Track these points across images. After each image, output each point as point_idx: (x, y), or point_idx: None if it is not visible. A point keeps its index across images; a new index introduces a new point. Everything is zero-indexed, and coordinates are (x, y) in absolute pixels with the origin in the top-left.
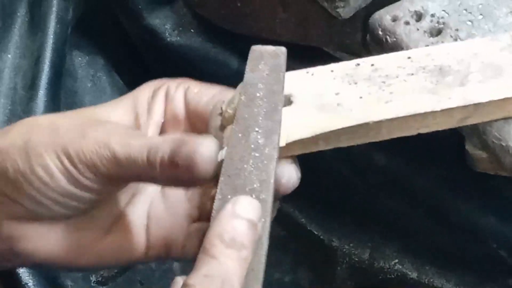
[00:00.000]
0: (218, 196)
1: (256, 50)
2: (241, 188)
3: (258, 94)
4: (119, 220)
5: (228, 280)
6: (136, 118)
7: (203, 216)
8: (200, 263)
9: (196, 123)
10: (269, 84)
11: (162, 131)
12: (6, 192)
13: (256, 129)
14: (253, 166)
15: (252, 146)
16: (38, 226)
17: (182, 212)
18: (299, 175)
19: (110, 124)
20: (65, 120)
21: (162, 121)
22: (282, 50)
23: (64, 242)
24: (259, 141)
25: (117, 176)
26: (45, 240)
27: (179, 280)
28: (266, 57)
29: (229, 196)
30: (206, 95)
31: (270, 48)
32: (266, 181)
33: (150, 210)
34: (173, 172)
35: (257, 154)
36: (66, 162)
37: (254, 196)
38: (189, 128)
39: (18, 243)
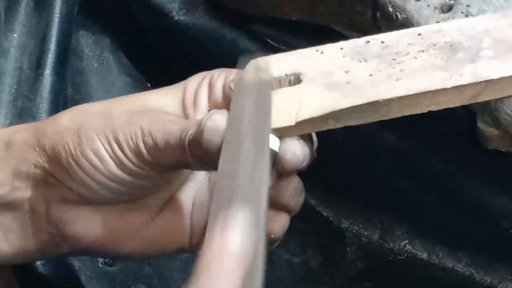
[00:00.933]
0: (211, 209)
1: (240, 82)
2: (234, 200)
3: (246, 114)
4: (166, 208)
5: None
6: (184, 107)
7: None
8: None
9: None
10: (256, 110)
11: None
12: (57, 175)
13: (246, 142)
14: (245, 178)
15: (243, 159)
16: (87, 210)
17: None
18: (307, 151)
19: (156, 112)
20: (116, 106)
21: (207, 109)
22: (266, 81)
23: (111, 226)
24: (250, 153)
25: (160, 163)
26: (92, 223)
27: None
28: (249, 91)
29: (222, 210)
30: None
31: (253, 80)
32: (259, 193)
33: (196, 196)
34: (198, 151)
35: (248, 167)
36: (115, 147)
37: (247, 208)
38: None
39: (67, 226)
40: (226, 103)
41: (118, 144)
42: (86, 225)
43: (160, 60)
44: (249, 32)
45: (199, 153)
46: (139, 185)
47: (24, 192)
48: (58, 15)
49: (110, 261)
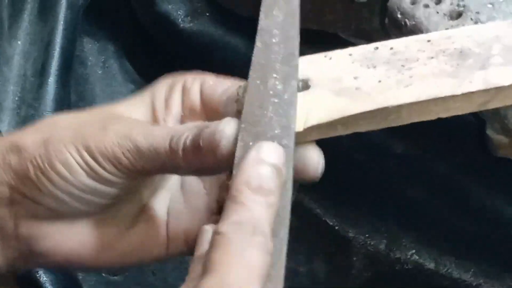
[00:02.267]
0: (239, 144)
1: None
2: (262, 135)
3: (274, 40)
4: (140, 217)
5: (258, 226)
6: (154, 113)
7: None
8: (229, 211)
9: (212, 116)
10: (284, 29)
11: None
12: (25, 192)
13: (274, 75)
14: (273, 112)
15: (271, 92)
16: (59, 224)
17: (201, 206)
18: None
19: (130, 119)
20: (85, 115)
21: (181, 114)
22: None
23: (85, 239)
24: (278, 87)
25: (140, 168)
26: (65, 238)
27: (207, 229)
28: (279, 3)
29: (250, 143)
30: (221, 86)
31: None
32: (287, 127)
33: (170, 205)
34: (196, 157)
35: (276, 100)
36: (86, 156)
37: (276, 142)
38: (206, 120)
39: (38, 243)
40: (205, 109)
41: (89, 153)
42: (59, 241)
43: (165, 67)
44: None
45: (198, 158)
46: (112, 194)
47: None
48: (62, 22)
49: (114, 271)
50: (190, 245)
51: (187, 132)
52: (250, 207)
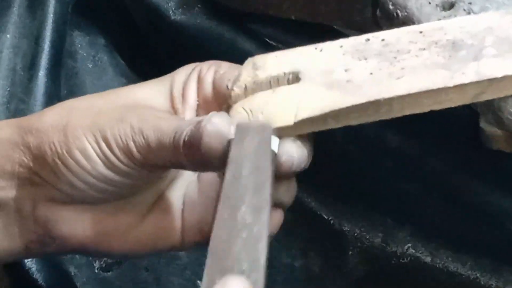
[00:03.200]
0: (204, 279)
1: (241, 126)
2: (229, 270)
3: (243, 172)
4: (157, 206)
5: None
6: (172, 101)
7: None
8: None
9: (223, 104)
10: (256, 160)
11: (198, 115)
12: (43, 175)
13: (243, 208)
14: (241, 246)
15: (239, 226)
16: (75, 210)
17: (215, 196)
18: (305, 153)
19: (145, 108)
20: (103, 102)
21: (196, 104)
22: (267, 125)
23: (100, 226)
24: (247, 220)
25: (151, 163)
26: (81, 223)
27: None
28: (251, 132)
29: (216, 280)
30: (230, 76)
31: (255, 123)
32: (256, 261)
33: (186, 195)
34: (191, 153)
35: (244, 234)
36: (103, 146)
37: (244, 277)
38: (218, 110)
39: (55, 227)
40: (216, 98)
41: (106, 143)
42: (75, 225)
43: (156, 61)
44: (248, 32)
45: (195, 156)
46: (128, 184)
47: (9, 192)
48: (52, 16)
49: (107, 266)
50: (204, 235)
51: (188, 127)
52: None
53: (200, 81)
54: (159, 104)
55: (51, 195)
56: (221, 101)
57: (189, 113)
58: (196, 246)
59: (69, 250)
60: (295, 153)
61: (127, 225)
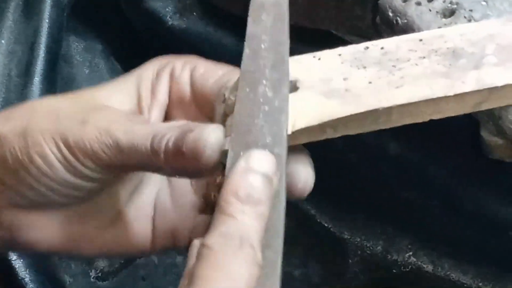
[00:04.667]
0: (230, 154)
1: (257, 0)
2: (253, 144)
3: (262, 46)
4: (125, 210)
5: (246, 238)
6: (139, 100)
7: (209, 207)
8: (216, 222)
9: (203, 106)
10: (273, 34)
11: (167, 114)
12: (5, 180)
13: (264, 81)
14: (263, 120)
15: (261, 99)
16: (40, 215)
17: (188, 203)
18: (313, 173)
19: (111, 109)
20: (64, 104)
21: (167, 103)
22: (283, 0)
23: (66, 232)
24: (268, 94)
25: (120, 164)
26: (46, 229)
27: (196, 244)
28: (268, 7)
29: (241, 153)
30: (213, 76)
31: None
32: (278, 135)
33: (157, 201)
34: (178, 161)
35: (267, 108)
36: (65, 151)
37: (267, 150)
38: (196, 112)
39: (19, 232)
40: (194, 98)
41: (67, 147)
42: (40, 231)
43: None
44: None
45: (181, 163)
46: (93, 188)
47: None
48: (47, 21)
49: (103, 275)
50: (175, 241)
51: (169, 133)
52: (238, 218)
53: (173, 80)
54: (123, 103)
55: (15, 200)
56: (201, 101)
57: (156, 112)
58: (168, 249)
59: (37, 253)
60: (310, 180)
61: (94, 230)
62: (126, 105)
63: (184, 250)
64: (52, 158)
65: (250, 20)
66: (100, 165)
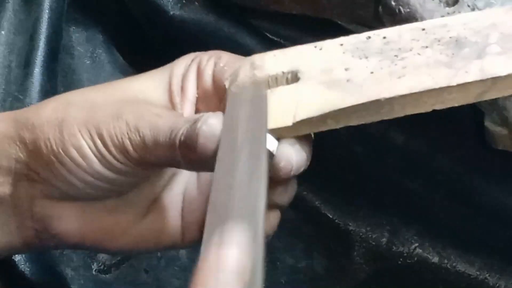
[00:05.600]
0: (205, 233)
1: (234, 95)
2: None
3: (238, 139)
4: (156, 204)
5: None
6: (170, 95)
7: None
8: None
9: (223, 99)
10: (250, 128)
11: (197, 109)
12: (39, 171)
13: (239, 169)
14: (239, 202)
15: (236, 185)
16: (72, 207)
17: None
18: (304, 157)
19: (143, 104)
20: (99, 96)
21: (196, 98)
22: (260, 93)
23: (99, 224)
24: (244, 180)
25: (147, 161)
26: (79, 221)
27: None
28: (244, 103)
29: (214, 236)
30: (232, 68)
31: (247, 91)
32: (255, 213)
33: (185, 193)
34: (185, 152)
35: (242, 193)
36: (99, 143)
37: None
38: (217, 105)
39: (52, 223)
40: (216, 91)
41: (102, 141)
42: (73, 223)
43: (155, 57)
44: (248, 27)
45: (191, 156)
46: (125, 182)
47: (6, 188)
48: (47, 11)
49: (105, 268)
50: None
51: (184, 126)
52: None
53: (199, 73)
54: (157, 98)
55: (48, 192)
56: (221, 94)
57: (188, 107)
58: (198, 243)
59: (69, 246)
60: (293, 158)
61: (126, 223)
62: (157, 99)
63: None
64: (86, 150)
65: (226, 112)
66: (131, 160)
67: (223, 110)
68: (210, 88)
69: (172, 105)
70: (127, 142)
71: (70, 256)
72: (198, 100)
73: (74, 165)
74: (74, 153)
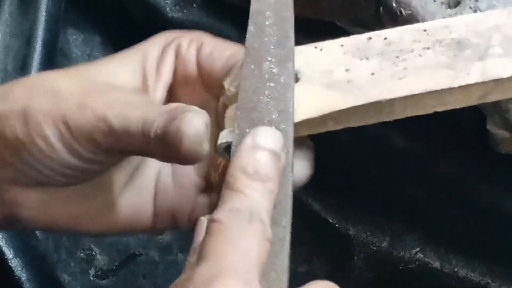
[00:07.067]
0: (235, 131)
1: None
2: (259, 120)
3: (267, 23)
4: (127, 190)
5: (256, 213)
6: (144, 78)
7: (210, 187)
8: (225, 198)
9: (210, 86)
10: (277, 10)
11: (172, 93)
12: (5, 157)
13: (269, 58)
14: (269, 96)
15: (266, 76)
16: (41, 193)
17: (189, 183)
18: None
19: (111, 91)
20: (65, 82)
21: (171, 82)
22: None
23: (67, 210)
24: (273, 71)
25: (117, 149)
26: (47, 207)
27: (203, 220)
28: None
29: (247, 130)
30: (220, 57)
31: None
32: (284, 111)
33: (158, 180)
34: (165, 148)
35: (272, 84)
36: (65, 133)
37: (273, 127)
38: (202, 91)
39: (20, 209)
40: (201, 78)
41: (68, 130)
42: (41, 209)
43: None
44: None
45: (171, 152)
46: (94, 169)
47: None
48: (44, 13)
49: (102, 274)
50: (176, 221)
51: (159, 118)
52: (247, 193)
53: (180, 58)
54: (129, 81)
55: (15, 178)
56: (209, 81)
57: (161, 90)
58: (169, 230)
59: (37, 230)
60: (302, 171)
61: (96, 209)
62: (130, 83)
63: (183, 231)
64: (52, 139)
65: None
66: (99, 148)
67: (207, 97)
68: (192, 74)
69: (145, 88)
70: (94, 131)
71: (67, 262)
72: (176, 84)
73: (40, 154)
74: (40, 143)
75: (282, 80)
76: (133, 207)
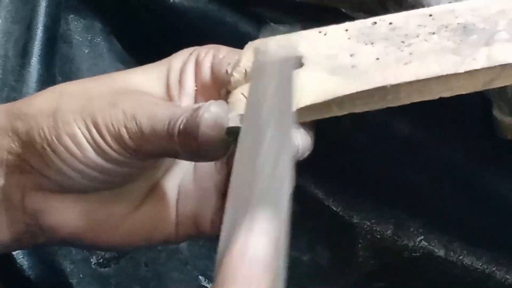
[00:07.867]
0: (227, 217)
1: (258, 64)
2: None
3: (262, 114)
4: (150, 196)
5: None
6: (169, 90)
7: None
8: None
9: (221, 90)
10: (275, 102)
11: (196, 102)
12: (32, 162)
13: (264, 150)
14: (264, 186)
15: (260, 167)
16: (65, 199)
17: (211, 187)
18: (309, 142)
19: (140, 94)
20: (96, 86)
21: (194, 91)
22: (288, 60)
23: (91, 216)
24: (269, 161)
25: (144, 150)
26: (71, 213)
27: None
28: (268, 74)
29: (238, 226)
30: (230, 60)
31: (273, 60)
32: (280, 201)
33: (181, 185)
34: (188, 142)
35: (266, 175)
36: (94, 132)
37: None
38: (217, 97)
39: (44, 216)
40: (214, 84)
41: (97, 129)
42: (65, 215)
43: (155, 46)
44: (250, 15)
45: (191, 145)
46: (120, 172)
47: None
48: None
49: (104, 262)
50: (199, 228)
51: (183, 115)
52: None
53: (198, 66)
54: (154, 91)
55: (40, 184)
56: (220, 86)
57: (186, 100)
58: (191, 239)
59: (60, 241)
60: (299, 142)
61: (119, 216)
62: (155, 92)
63: (207, 238)
64: (81, 138)
65: (250, 86)
66: (127, 149)
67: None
68: (208, 81)
69: (170, 99)
70: (123, 131)
71: (69, 250)
72: (197, 93)
73: (68, 154)
74: (68, 142)
75: (278, 172)
76: (156, 214)
